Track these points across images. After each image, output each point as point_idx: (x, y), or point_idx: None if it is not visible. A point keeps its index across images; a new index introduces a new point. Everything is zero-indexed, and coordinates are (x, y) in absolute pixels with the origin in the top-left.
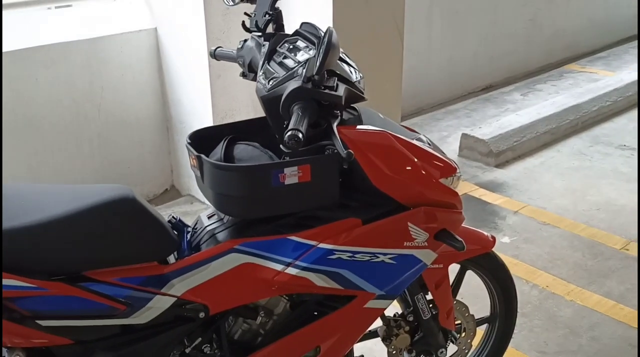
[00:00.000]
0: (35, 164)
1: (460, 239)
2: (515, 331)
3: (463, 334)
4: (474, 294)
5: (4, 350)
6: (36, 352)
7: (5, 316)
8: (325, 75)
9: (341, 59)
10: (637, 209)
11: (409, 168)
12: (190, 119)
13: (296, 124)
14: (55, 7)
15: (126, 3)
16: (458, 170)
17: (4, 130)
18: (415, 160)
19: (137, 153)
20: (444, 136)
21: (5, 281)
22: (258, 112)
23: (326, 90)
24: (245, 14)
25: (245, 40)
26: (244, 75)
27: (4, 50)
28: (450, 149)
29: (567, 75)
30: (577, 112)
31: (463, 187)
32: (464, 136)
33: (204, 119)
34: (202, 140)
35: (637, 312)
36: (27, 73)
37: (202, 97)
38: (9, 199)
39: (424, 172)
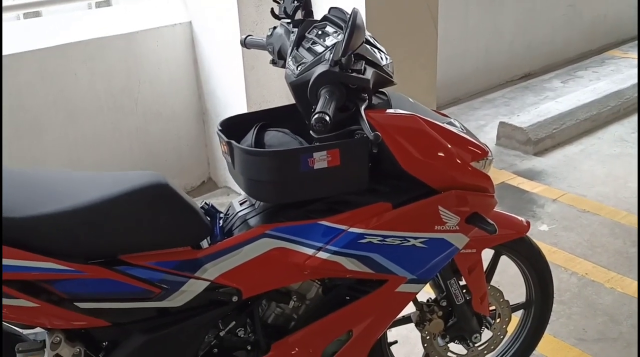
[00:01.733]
0: (75, 157)
1: (492, 222)
2: (553, 318)
3: (498, 320)
4: (511, 282)
5: (45, 332)
6: (75, 334)
7: (44, 298)
8: (353, 59)
9: (370, 43)
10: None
11: (440, 152)
12: (225, 111)
13: (323, 107)
14: (96, 5)
15: None
16: (490, 154)
17: (47, 123)
18: (446, 143)
19: (174, 145)
20: (481, 125)
21: (43, 264)
22: (291, 101)
23: (353, 74)
24: (274, 1)
25: (275, 28)
26: (273, 62)
27: (44, 46)
28: (488, 138)
29: (609, 62)
30: (618, 98)
31: (501, 176)
32: (502, 124)
33: (239, 111)
34: (234, 127)
35: None
36: (67, 68)
37: (237, 88)
38: (48, 185)
39: (455, 156)
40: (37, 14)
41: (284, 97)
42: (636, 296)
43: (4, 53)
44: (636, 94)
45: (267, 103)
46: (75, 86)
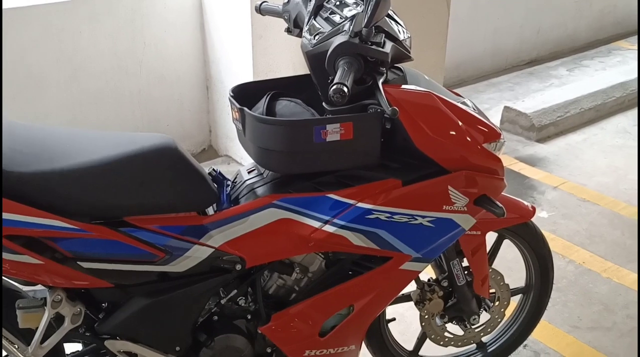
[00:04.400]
0: (78, 115)
1: (500, 205)
2: (549, 305)
3: (497, 303)
4: (508, 267)
5: (47, 290)
6: (76, 293)
7: (48, 255)
8: (373, 31)
9: (389, 17)
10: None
11: (453, 131)
12: (230, 79)
13: (341, 79)
14: None
15: None
16: (502, 136)
17: (50, 80)
18: (460, 123)
19: (177, 111)
20: (485, 109)
21: (48, 221)
22: (298, 73)
23: (373, 46)
24: None
25: None
26: (289, 31)
27: (50, 2)
28: None
29: (616, 52)
30: (623, 89)
31: (503, 160)
32: (506, 109)
33: (244, 79)
34: (245, 94)
35: None
36: (72, 25)
37: (243, 57)
38: (56, 141)
39: (467, 135)
40: None
41: (291, 68)
42: (633, 287)
43: (8, 6)
44: None
45: (274, 73)
46: (80, 44)
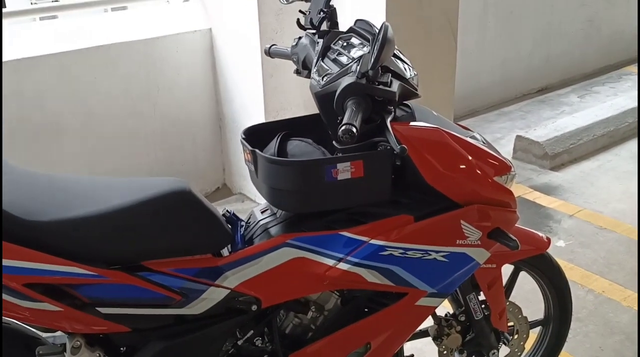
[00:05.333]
0: (93, 160)
1: (514, 238)
2: (569, 336)
3: (516, 336)
4: (526, 298)
5: (66, 336)
6: (94, 339)
7: (66, 302)
8: (380, 71)
9: (395, 56)
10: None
11: (463, 165)
12: (242, 118)
13: (350, 119)
14: (112, 9)
15: (181, 4)
16: (513, 169)
17: (66, 126)
18: (470, 157)
19: (191, 151)
20: (497, 138)
21: (67, 268)
22: (309, 110)
23: (380, 86)
24: (300, 11)
25: (300, 38)
26: (298, 72)
27: (65, 50)
28: (504, 151)
29: (626, 78)
30: (636, 114)
31: (517, 190)
32: (518, 138)
33: (256, 118)
34: (256, 135)
35: None
36: (86, 72)
37: (255, 96)
38: (72, 190)
39: (478, 170)
40: (53, 16)
41: (302, 106)
42: None
43: (23, 56)
44: None
45: (285, 111)
46: (95, 90)
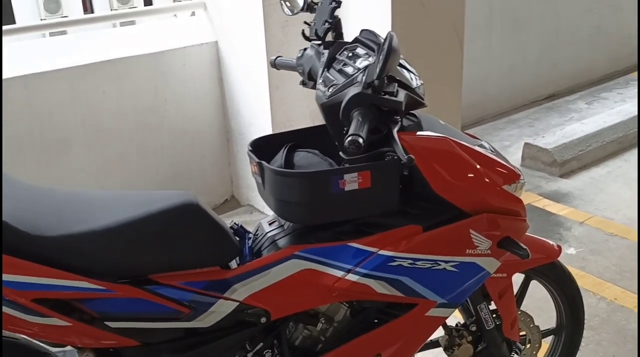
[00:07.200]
0: (102, 174)
1: (524, 247)
2: (582, 344)
3: (528, 346)
4: (537, 306)
5: (76, 351)
6: (105, 353)
7: (75, 316)
8: (386, 81)
9: (401, 65)
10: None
11: (471, 174)
12: (249, 130)
13: (356, 130)
14: (120, 24)
15: (188, 18)
16: (522, 177)
17: (75, 141)
18: (478, 166)
19: (199, 164)
20: (505, 146)
21: (75, 283)
22: (315, 122)
23: (386, 96)
24: (305, 22)
25: (305, 49)
26: (303, 83)
27: (74, 65)
28: (513, 159)
29: (633, 83)
30: None
31: (526, 198)
32: (527, 145)
33: (263, 130)
34: (263, 148)
35: None
36: (95, 86)
37: (262, 108)
38: (79, 204)
39: (486, 178)
40: (62, 32)
41: (308, 117)
42: None
43: (32, 71)
44: None
45: (292, 122)
46: (103, 104)
